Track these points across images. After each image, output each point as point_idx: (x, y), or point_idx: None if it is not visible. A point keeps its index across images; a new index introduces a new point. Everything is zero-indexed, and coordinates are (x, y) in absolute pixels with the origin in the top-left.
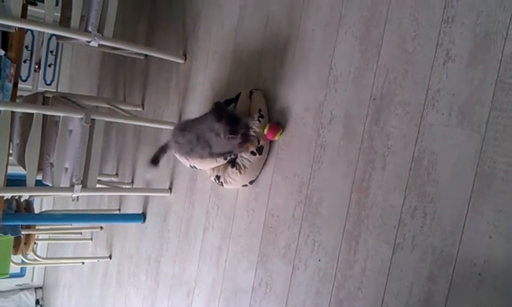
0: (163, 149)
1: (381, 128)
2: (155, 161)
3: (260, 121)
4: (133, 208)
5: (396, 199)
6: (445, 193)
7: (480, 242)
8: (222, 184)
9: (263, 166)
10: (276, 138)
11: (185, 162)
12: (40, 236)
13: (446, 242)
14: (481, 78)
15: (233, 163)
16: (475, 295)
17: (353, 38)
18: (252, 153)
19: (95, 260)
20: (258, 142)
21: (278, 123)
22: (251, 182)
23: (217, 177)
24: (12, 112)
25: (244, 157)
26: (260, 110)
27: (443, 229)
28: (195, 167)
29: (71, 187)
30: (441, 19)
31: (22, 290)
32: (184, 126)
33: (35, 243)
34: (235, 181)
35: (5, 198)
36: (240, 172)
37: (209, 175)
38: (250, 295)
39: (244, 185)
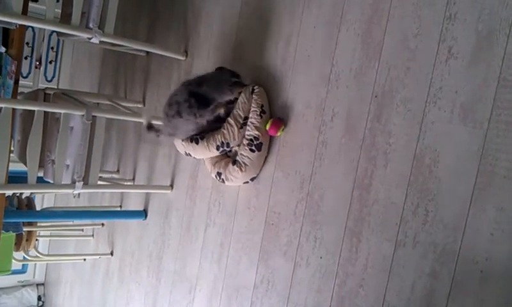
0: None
1: (383, 125)
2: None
3: (262, 116)
4: (134, 204)
5: (398, 196)
6: (447, 190)
7: (483, 239)
8: (223, 181)
9: (264, 163)
10: (278, 134)
11: (181, 148)
12: (42, 233)
13: (448, 239)
14: (484, 75)
15: (234, 160)
16: (477, 292)
17: (355, 35)
18: (251, 149)
19: (97, 257)
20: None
21: (280, 119)
22: (252, 179)
23: (219, 174)
24: (13, 109)
25: (244, 155)
26: (262, 106)
27: (445, 227)
28: (190, 155)
29: (72, 184)
30: (443, 16)
31: (23, 286)
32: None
33: (37, 240)
34: (236, 178)
35: (6, 195)
36: (241, 169)
37: (210, 172)
38: (252, 292)
39: (245, 182)
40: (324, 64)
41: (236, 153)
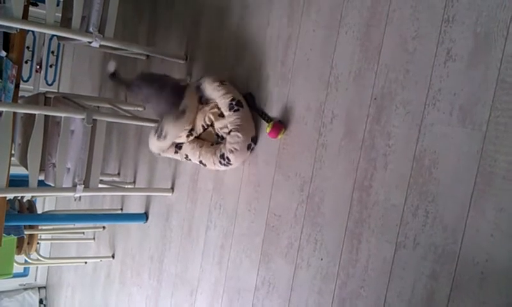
0: (121, 82)
1: (382, 127)
2: (113, 76)
3: (224, 84)
4: (135, 207)
5: (398, 198)
6: (446, 192)
7: (482, 240)
8: (229, 160)
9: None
10: (279, 137)
11: None
12: (43, 236)
13: (448, 240)
14: (482, 77)
15: (228, 132)
16: (478, 293)
17: (354, 38)
18: (235, 111)
19: (98, 260)
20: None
21: (280, 122)
22: (253, 140)
23: (222, 156)
24: (14, 112)
25: (232, 119)
26: (220, 80)
27: (445, 228)
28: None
29: (73, 187)
30: (441, 19)
31: (25, 289)
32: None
33: (38, 243)
34: (238, 143)
35: (8, 199)
36: (238, 131)
37: (213, 164)
38: (253, 294)
39: (249, 147)
40: (323, 67)
41: (229, 131)
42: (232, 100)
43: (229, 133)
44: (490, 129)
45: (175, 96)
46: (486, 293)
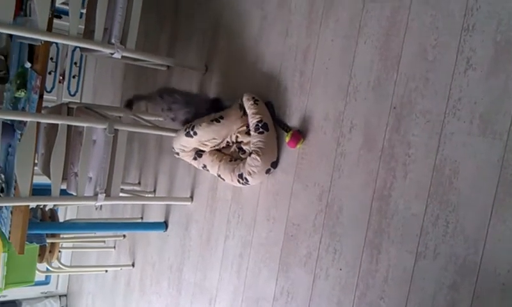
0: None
1: (402, 136)
2: (129, 105)
3: (257, 104)
4: (155, 216)
5: (418, 207)
6: (467, 201)
7: (504, 250)
8: (247, 181)
9: (278, 150)
10: (298, 147)
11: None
12: (64, 245)
13: (469, 250)
14: (503, 86)
15: (249, 153)
16: (499, 304)
17: (373, 48)
18: (260, 132)
19: (118, 268)
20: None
21: (299, 132)
22: (273, 164)
23: (240, 176)
24: (38, 123)
25: (256, 140)
26: (254, 97)
27: (466, 238)
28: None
29: (95, 196)
30: (461, 27)
31: (46, 297)
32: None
33: (59, 251)
34: (257, 167)
35: (30, 207)
36: (258, 155)
37: (231, 180)
38: (271, 304)
39: (267, 171)
40: (342, 76)
41: (250, 153)
42: (259, 121)
43: (250, 154)
44: (511, 138)
45: (215, 103)
46: (507, 304)
